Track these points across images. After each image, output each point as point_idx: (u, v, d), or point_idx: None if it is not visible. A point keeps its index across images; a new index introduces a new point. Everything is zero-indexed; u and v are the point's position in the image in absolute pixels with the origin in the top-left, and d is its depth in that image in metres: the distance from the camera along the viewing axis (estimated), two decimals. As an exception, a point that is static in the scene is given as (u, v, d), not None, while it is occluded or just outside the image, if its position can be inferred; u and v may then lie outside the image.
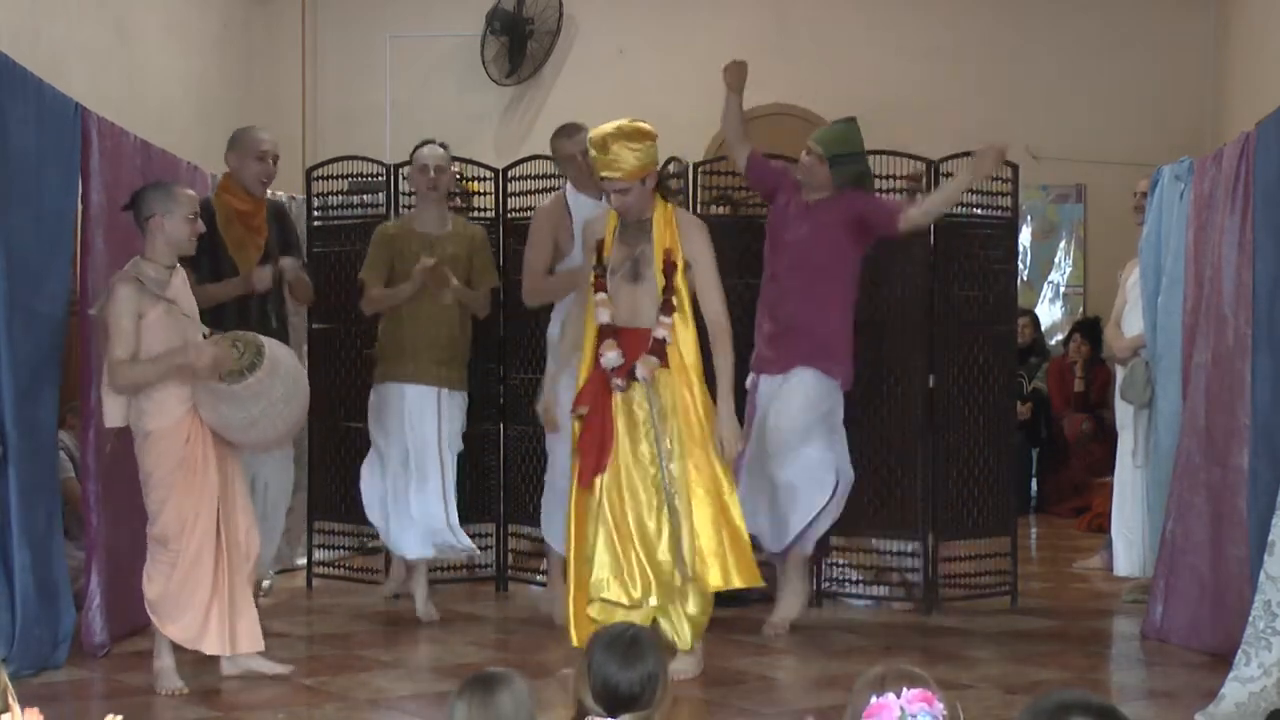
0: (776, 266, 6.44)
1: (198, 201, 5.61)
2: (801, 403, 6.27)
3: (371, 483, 6.76)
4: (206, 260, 6.15)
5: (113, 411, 5.39)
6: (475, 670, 3.01)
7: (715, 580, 5.46)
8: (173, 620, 5.37)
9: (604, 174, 5.50)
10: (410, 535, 6.63)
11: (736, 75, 6.58)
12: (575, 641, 5.48)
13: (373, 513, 6.77)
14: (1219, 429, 5.77)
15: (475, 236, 6.86)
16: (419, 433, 6.61)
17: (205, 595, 5.39)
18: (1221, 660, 5.33)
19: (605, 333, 5.54)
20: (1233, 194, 5.68)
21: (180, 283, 5.51)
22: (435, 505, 6.61)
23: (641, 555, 5.44)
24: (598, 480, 5.47)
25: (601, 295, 5.58)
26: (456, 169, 7.80)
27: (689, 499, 5.46)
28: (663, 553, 5.44)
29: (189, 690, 5.36)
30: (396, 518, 6.65)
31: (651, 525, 5.45)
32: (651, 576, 5.43)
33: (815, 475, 6.26)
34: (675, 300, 5.55)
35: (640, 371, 5.49)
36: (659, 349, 5.51)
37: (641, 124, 5.52)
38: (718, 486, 5.50)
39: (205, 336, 5.41)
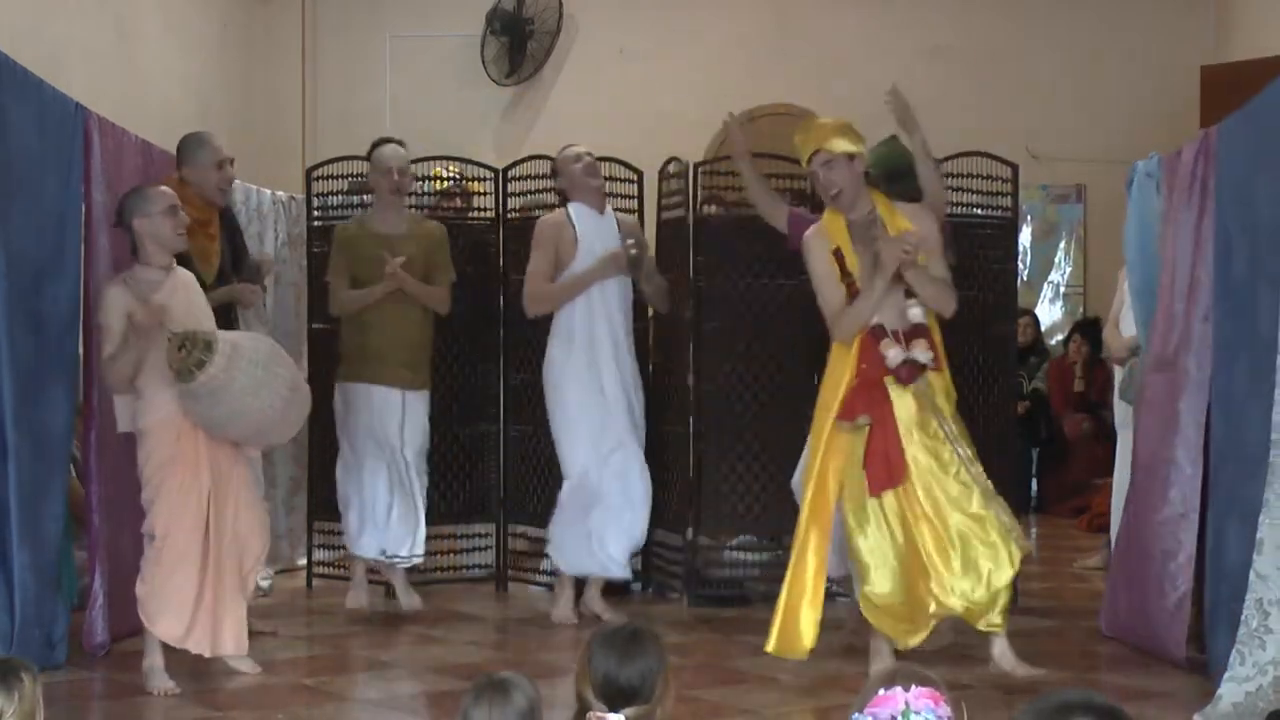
0: None
1: (174, 196, 5.61)
2: None
3: (345, 484, 6.73)
4: None
5: (121, 416, 5.52)
6: (476, 671, 3.01)
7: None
8: (160, 616, 5.36)
9: None
10: (368, 535, 6.64)
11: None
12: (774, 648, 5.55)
13: (348, 513, 6.74)
14: (1163, 425, 5.80)
15: (433, 234, 6.81)
16: (386, 434, 6.63)
17: (191, 594, 5.37)
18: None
19: (879, 333, 5.52)
20: (1189, 192, 5.69)
21: (178, 285, 5.53)
22: (408, 511, 6.65)
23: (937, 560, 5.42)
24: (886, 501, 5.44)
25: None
26: (456, 170, 7.81)
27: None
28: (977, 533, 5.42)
29: (181, 690, 5.34)
30: (360, 518, 6.65)
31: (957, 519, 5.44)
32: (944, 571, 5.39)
33: None
34: None
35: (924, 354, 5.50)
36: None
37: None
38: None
39: (169, 338, 5.30)
